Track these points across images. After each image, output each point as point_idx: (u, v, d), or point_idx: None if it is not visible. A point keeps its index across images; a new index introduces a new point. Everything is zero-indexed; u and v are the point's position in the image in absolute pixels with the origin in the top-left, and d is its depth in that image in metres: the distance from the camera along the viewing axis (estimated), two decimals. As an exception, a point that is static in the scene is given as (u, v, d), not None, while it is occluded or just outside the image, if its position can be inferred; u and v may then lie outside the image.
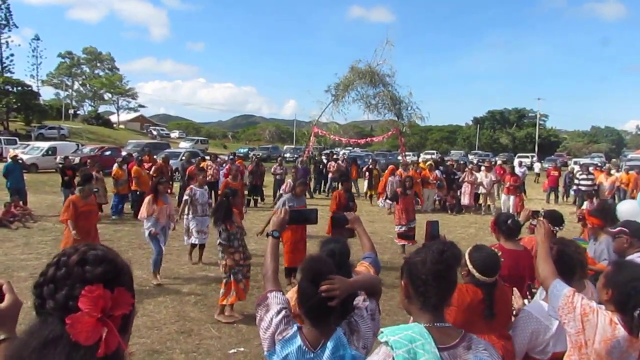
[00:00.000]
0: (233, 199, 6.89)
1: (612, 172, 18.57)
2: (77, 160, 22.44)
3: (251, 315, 6.30)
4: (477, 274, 2.99)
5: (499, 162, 24.95)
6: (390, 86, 26.62)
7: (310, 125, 29.02)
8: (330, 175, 20.94)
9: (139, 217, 8.29)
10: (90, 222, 7.37)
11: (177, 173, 19.90)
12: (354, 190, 20.27)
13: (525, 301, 3.63)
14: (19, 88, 50.68)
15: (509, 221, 4.07)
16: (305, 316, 2.19)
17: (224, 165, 18.01)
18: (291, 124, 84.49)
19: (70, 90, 79.72)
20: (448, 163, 20.95)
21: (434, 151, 55.90)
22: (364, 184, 20.42)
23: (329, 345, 2.10)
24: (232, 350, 5.58)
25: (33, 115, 52.75)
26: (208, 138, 67.01)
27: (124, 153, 22.98)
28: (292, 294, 2.55)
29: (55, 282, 1.07)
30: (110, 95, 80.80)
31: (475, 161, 30.91)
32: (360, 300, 2.32)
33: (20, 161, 15.82)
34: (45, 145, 30.32)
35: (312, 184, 21.23)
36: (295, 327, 2.15)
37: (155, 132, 70.14)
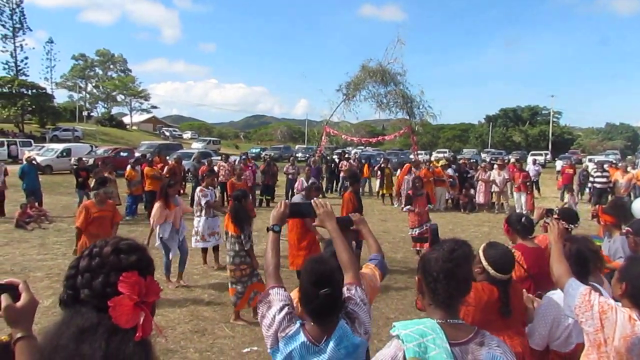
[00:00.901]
0: (245, 201, 6.89)
1: (629, 169, 18.35)
2: (91, 161, 22.62)
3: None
4: (492, 271, 2.97)
5: (512, 160, 24.70)
6: (402, 85, 26.56)
7: (322, 124, 29.00)
8: (342, 174, 20.97)
9: (151, 224, 7.91)
10: (103, 228, 7.09)
11: (189, 174, 19.99)
12: (366, 189, 20.39)
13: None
14: (34, 91, 51.43)
15: (522, 219, 4.03)
16: (308, 316, 2.20)
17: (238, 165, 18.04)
18: (303, 124, 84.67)
19: (83, 92, 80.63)
20: (460, 162, 20.85)
21: (446, 150, 55.67)
22: (376, 183, 20.39)
23: (333, 338, 2.11)
24: (246, 350, 5.60)
25: (47, 117, 53.45)
26: (220, 138, 67.33)
27: (137, 154, 23.15)
28: (295, 293, 2.54)
29: (91, 271, 1.12)
30: (123, 97, 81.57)
31: (488, 159, 30.74)
32: (345, 290, 2.31)
33: (35, 163, 15.99)
34: (59, 147, 30.67)
35: (324, 184, 21.25)
36: (298, 324, 2.16)
37: (167, 133, 70.64)
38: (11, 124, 50.59)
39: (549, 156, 51.63)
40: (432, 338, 1.73)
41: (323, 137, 27.71)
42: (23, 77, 55.87)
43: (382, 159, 22.61)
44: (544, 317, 2.98)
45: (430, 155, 39.69)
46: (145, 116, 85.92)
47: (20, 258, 9.30)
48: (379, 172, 19.67)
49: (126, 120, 78.98)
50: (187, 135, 74.19)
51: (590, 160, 34.22)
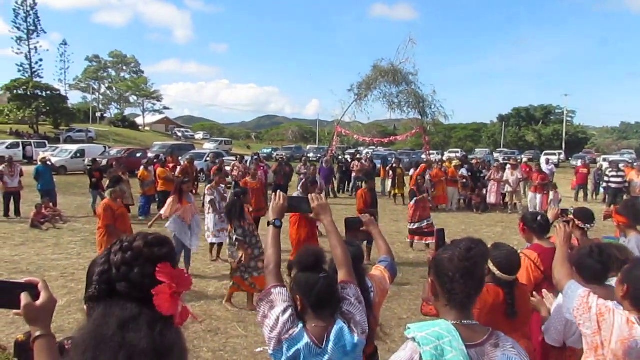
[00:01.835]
0: (244, 197, 7.25)
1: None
2: (104, 162, 22.81)
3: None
4: (498, 272, 2.95)
5: (524, 159, 24.55)
6: (414, 84, 26.50)
7: (333, 124, 29.02)
8: (353, 174, 20.97)
9: (162, 215, 8.44)
10: (126, 224, 7.38)
11: (201, 174, 20.10)
12: (379, 189, 20.35)
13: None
14: (48, 92, 51.93)
15: (539, 217, 3.99)
16: (311, 308, 2.19)
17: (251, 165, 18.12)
18: (314, 124, 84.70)
19: (97, 94, 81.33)
20: (473, 161, 20.74)
21: (458, 149, 55.42)
22: (387, 183, 20.34)
23: (332, 337, 2.12)
24: (259, 349, 5.61)
25: (61, 118, 53.96)
26: (232, 139, 67.55)
27: (150, 155, 23.33)
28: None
29: (127, 264, 1.15)
30: (135, 98, 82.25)
31: (500, 159, 30.54)
32: (339, 288, 2.30)
33: (50, 164, 16.15)
34: (73, 147, 30.97)
35: (336, 184, 21.26)
36: (300, 325, 2.15)
37: (180, 134, 71.06)
38: (26, 125, 51.18)
39: (562, 156, 51.12)
40: (449, 340, 1.71)
41: (334, 137, 27.71)
42: (37, 79, 56.39)
43: (393, 159, 22.57)
44: (560, 313, 2.96)
45: (442, 155, 39.47)
46: (158, 117, 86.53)
47: (36, 258, 9.40)
48: (390, 172, 19.62)
49: (139, 121, 79.57)
50: (199, 135, 74.56)
51: (604, 160, 33.87)
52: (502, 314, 2.89)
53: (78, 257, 9.45)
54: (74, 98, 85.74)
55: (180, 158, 20.23)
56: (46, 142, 37.72)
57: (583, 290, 2.53)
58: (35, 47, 59.37)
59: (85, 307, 1.24)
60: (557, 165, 30.83)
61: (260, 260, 6.81)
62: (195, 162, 19.01)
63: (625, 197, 15.23)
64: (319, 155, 35.71)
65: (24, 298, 1.40)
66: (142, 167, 14.99)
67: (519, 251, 3.36)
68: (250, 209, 10.25)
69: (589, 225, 4.09)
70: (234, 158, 22.31)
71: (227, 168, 17.85)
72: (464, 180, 17.34)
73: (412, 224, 10.77)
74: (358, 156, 23.35)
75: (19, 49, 58.60)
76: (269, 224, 2.49)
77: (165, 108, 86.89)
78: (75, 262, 9.01)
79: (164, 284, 1.10)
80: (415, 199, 10.82)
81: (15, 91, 50.26)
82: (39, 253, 9.79)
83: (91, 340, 1.11)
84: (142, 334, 1.08)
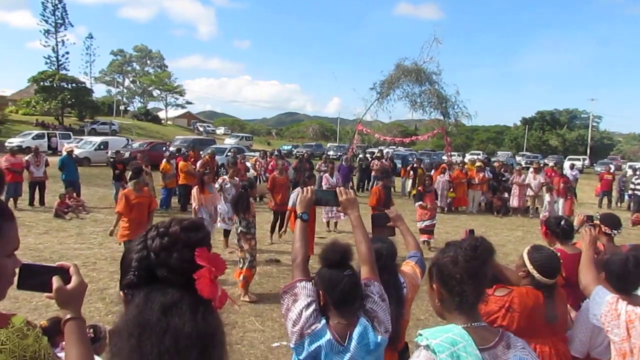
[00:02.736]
0: (251, 190, 7.55)
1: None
2: (127, 154, 23.10)
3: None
4: (537, 275, 2.86)
5: (550, 164, 24.20)
6: (437, 84, 26.33)
7: (354, 123, 28.96)
8: (373, 173, 20.93)
9: (194, 207, 9.30)
10: (142, 214, 7.56)
11: (222, 168, 20.21)
12: (399, 189, 20.28)
13: None
14: (74, 85, 52.72)
15: (562, 222, 3.93)
16: (334, 305, 2.16)
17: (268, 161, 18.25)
18: (335, 122, 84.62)
19: (121, 87, 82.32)
20: (495, 164, 20.53)
21: (480, 152, 54.86)
22: (408, 183, 20.24)
23: (355, 335, 2.10)
24: (276, 344, 5.64)
25: (86, 111, 54.74)
26: (252, 135, 67.86)
27: (172, 148, 23.56)
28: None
29: (166, 249, 1.16)
30: (159, 92, 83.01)
31: (523, 163, 30.15)
32: (362, 286, 2.27)
33: (74, 156, 16.39)
34: (97, 140, 31.42)
35: (355, 182, 21.24)
36: (323, 321, 2.13)
37: (201, 129, 71.60)
38: (52, 116, 52.00)
39: (586, 161, 50.32)
40: (463, 346, 1.68)
41: (355, 136, 27.64)
42: (64, 72, 57.22)
43: (414, 159, 22.45)
44: (584, 323, 2.89)
45: (464, 157, 39.10)
46: (180, 111, 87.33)
47: (59, 246, 9.56)
48: (411, 172, 19.53)
49: (161, 115, 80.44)
50: (220, 130, 75.11)
51: (630, 167, 33.23)
52: (542, 318, 2.81)
53: (100, 247, 9.59)
54: (99, 91, 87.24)
55: (201, 152, 20.38)
56: (71, 133, 38.26)
57: (611, 297, 2.47)
58: (62, 40, 60.26)
59: (122, 294, 1.25)
60: (581, 171, 30.34)
61: (256, 253, 7.27)
62: (216, 157, 19.16)
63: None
64: (339, 154, 35.68)
65: (56, 281, 1.43)
66: (164, 160, 15.15)
67: None
68: (273, 203, 10.93)
69: (615, 232, 4.01)
70: (254, 154, 22.44)
71: (248, 164, 17.99)
72: (491, 182, 17.20)
73: (421, 222, 10.89)
74: (379, 155, 23.22)
75: (46, 42, 59.64)
76: (296, 217, 2.48)
77: (187, 103, 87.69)
78: (97, 252, 9.14)
79: (204, 268, 1.11)
80: (419, 203, 10.94)
81: (42, 83, 51.11)
82: (62, 242, 9.95)
83: (135, 326, 1.12)
84: (186, 318, 1.10)
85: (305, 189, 2.59)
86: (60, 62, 59.90)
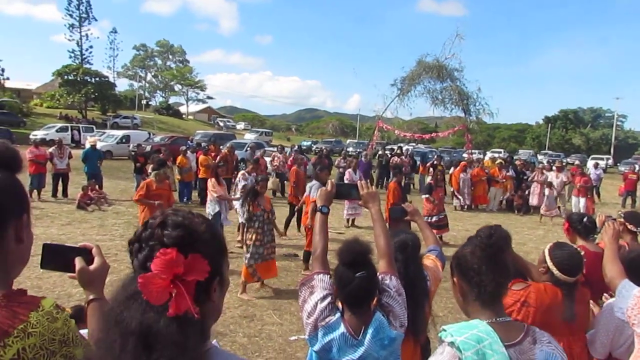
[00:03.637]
0: (262, 184, 7.43)
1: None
2: (148, 148, 23.36)
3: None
4: (557, 273, 2.81)
5: (576, 162, 23.87)
6: (458, 81, 26.01)
7: (374, 119, 28.84)
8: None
9: (216, 196, 9.18)
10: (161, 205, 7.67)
11: (242, 163, 20.31)
12: (418, 186, 20.17)
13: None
14: (97, 79, 53.32)
15: (585, 219, 3.87)
16: (344, 302, 2.17)
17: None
18: (354, 118, 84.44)
19: (143, 82, 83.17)
20: (516, 162, 20.30)
21: (501, 150, 54.27)
22: (427, 180, 20.10)
23: (370, 330, 2.09)
24: (293, 337, 5.66)
25: (109, 104, 55.41)
26: (272, 130, 68.06)
27: (190, 143, 23.77)
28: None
29: (141, 241, 1.11)
30: (180, 87, 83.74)
31: (545, 161, 29.75)
32: (379, 279, 2.26)
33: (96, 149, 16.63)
34: (119, 133, 31.79)
35: (375, 178, 21.18)
36: (338, 314, 2.14)
37: (222, 124, 72.01)
38: (75, 110, 52.80)
39: (610, 161, 49.46)
40: (489, 343, 1.64)
41: (375, 132, 27.54)
42: (87, 66, 57.82)
43: (435, 156, 22.30)
44: (605, 325, 2.83)
45: (484, 155, 38.70)
46: (201, 106, 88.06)
47: (81, 237, 9.70)
48: (430, 169, 19.39)
49: (182, 109, 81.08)
50: (240, 126, 75.41)
51: (655, 167, 32.60)
52: (559, 316, 2.76)
53: (121, 238, 9.71)
54: (121, 85, 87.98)
55: (221, 147, 20.52)
56: (94, 127, 38.81)
57: (638, 290, 2.42)
58: (87, 34, 60.84)
59: None
60: (604, 170, 29.85)
61: (267, 247, 7.01)
62: (236, 152, 19.26)
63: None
64: (358, 150, 35.60)
65: (79, 262, 1.45)
66: (181, 155, 15.30)
67: None
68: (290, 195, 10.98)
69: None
70: (274, 149, 22.50)
71: (268, 159, 18.04)
72: (515, 182, 17.03)
73: (429, 217, 10.69)
74: (399, 152, 23.11)
75: (71, 36, 60.27)
76: (316, 210, 2.49)
77: (208, 97, 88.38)
78: (119, 244, 9.25)
79: (153, 273, 1.03)
80: (426, 195, 10.92)
81: (65, 77, 51.86)
82: (84, 233, 10.10)
83: (107, 309, 1.12)
84: (136, 313, 1.04)
85: (328, 182, 2.60)
86: (84, 56, 60.57)
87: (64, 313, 1.21)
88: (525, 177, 17.46)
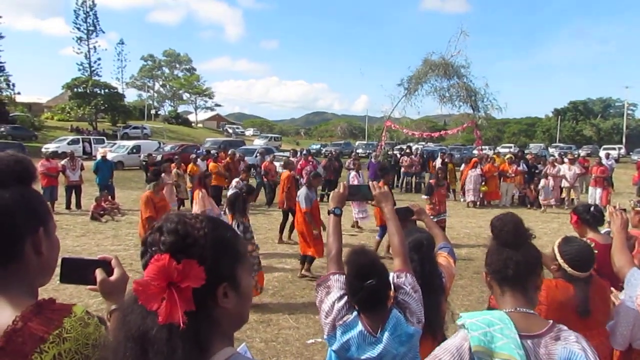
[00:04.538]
0: (248, 194, 7.32)
1: None
2: (159, 157, 23.51)
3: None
4: (568, 269, 2.78)
5: (582, 154, 23.66)
6: (465, 77, 25.80)
7: (382, 120, 28.74)
8: (403, 170, 20.82)
9: (197, 211, 8.47)
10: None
11: (252, 169, 20.37)
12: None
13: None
14: (106, 90, 53.84)
15: (592, 209, 3.83)
16: (357, 307, 2.18)
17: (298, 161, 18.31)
18: (363, 120, 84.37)
19: (151, 92, 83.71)
20: (527, 156, 20.18)
21: (512, 145, 53.92)
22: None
23: (388, 327, 2.10)
24: (310, 341, 5.66)
25: (119, 115, 55.91)
26: (281, 135, 68.22)
27: (200, 150, 23.88)
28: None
29: (145, 245, 1.11)
30: (188, 95, 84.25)
31: (556, 154, 29.56)
32: (394, 277, 2.26)
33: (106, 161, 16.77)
34: (130, 143, 32.09)
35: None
36: (355, 313, 2.15)
37: (230, 130, 72.33)
38: (85, 122, 53.26)
39: (622, 150, 48.95)
40: (500, 328, 1.64)
41: (384, 133, 27.46)
42: (96, 78, 58.33)
43: (439, 154, 22.26)
44: (625, 316, 2.79)
45: (494, 150, 38.50)
46: (210, 114, 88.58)
47: (96, 248, 9.79)
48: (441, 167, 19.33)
49: (191, 118, 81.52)
50: (249, 132, 75.71)
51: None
52: (573, 312, 2.71)
53: (135, 248, 9.78)
54: (130, 96, 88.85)
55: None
56: (104, 138, 39.19)
57: None
58: (95, 47, 61.26)
59: None
60: (617, 160, 29.57)
61: (256, 257, 6.82)
62: (246, 158, 19.33)
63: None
64: (368, 151, 35.45)
65: (99, 274, 1.48)
66: (191, 163, 15.37)
67: None
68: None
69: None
70: (283, 154, 22.54)
71: (277, 163, 18.06)
72: (526, 176, 16.91)
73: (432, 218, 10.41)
74: (408, 151, 23.06)
75: (79, 49, 60.68)
76: (329, 212, 2.50)
77: (216, 105, 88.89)
78: (133, 253, 9.32)
79: (144, 278, 1.02)
80: (426, 197, 10.31)
81: (75, 89, 52.42)
82: (99, 244, 10.19)
83: (120, 308, 1.14)
84: (138, 319, 1.05)
85: (340, 185, 2.61)
86: (92, 69, 61.00)
87: (94, 319, 1.23)
88: (537, 171, 17.36)
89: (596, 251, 3.00)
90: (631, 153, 45.84)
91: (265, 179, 16.31)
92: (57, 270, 1.47)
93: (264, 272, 7.25)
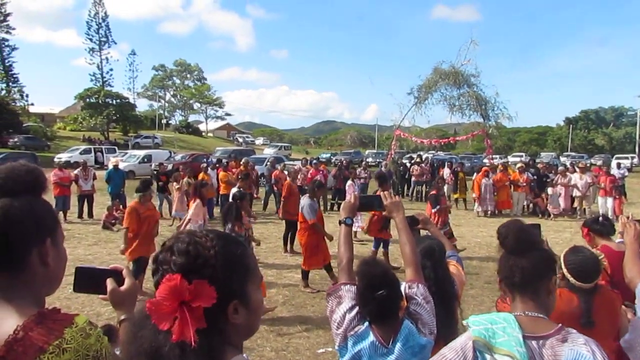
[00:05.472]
0: (241, 202, 7.23)
1: None
2: (170, 167, 23.61)
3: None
4: (571, 279, 2.76)
5: (597, 163, 23.52)
6: (475, 86, 25.79)
7: (392, 129, 28.74)
8: (413, 179, 20.79)
9: (186, 218, 8.50)
10: (152, 228, 7.55)
11: (262, 178, 20.44)
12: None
13: None
14: (118, 100, 54.40)
15: (600, 218, 3.80)
16: (368, 317, 2.18)
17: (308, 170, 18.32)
18: (372, 129, 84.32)
19: (162, 102, 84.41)
20: (539, 165, 20.06)
21: (522, 154, 53.62)
22: (444, 188, 19.98)
23: (400, 337, 2.09)
24: (321, 350, 5.64)
25: (130, 125, 56.41)
26: (291, 144, 68.37)
27: (211, 159, 23.98)
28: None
29: (157, 264, 1.13)
30: (199, 105, 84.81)
31: (567, 163, 29.38)
32: (405, 287, 2.25)
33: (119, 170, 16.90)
34: (141, 153, 32.24)
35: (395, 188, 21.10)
36: (366, 323, 2.14)
37: (241, 140, 72.59)
38: (97, 132, 53.80)
39: (635, 160, 48.47)
40: (503, 327, 1.67)
41: (393, 142, 27.46)
42: (108, 88, 59.14)
43: (447, 163, 22.19)
44: None
45: (505, 159, 38.29)
46: (220, 123, 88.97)
47: (107, 257, 9.85)
48: (452, 176, 19.27)
49: (202, 127, 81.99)
50: (259, 141, 75.95)
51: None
52: (576, 323, 2.63)
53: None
54: (141, 106, 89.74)
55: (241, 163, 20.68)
56: (116, 148, 39.48)
57: None
58: (107, 58, 62.29)
59: None
60: (630, 170, 29.28)
61: None
62: (256, 167, 19.39)
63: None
64: (378, 160, 35.42)
65: (110, 284, 1.50)
66: (202, 172, 15.45)
67: None
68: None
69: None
70: (293, 162, 22.59)
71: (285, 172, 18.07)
72: (532, 184, 16.79)
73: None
74: (419, 160, 23.02)
75: (91, 60, 61.71)
76: (340, 222, 2.50)
77: (227, 114, 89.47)
78: (144, 262, 9.35)
79: (156, 298, 1.04)
80: (437, 207, 9.87)
81: (87, 100, 53.02)
82: (111, 253, 10.24)
83: (133, 321, 1.17)
84: (149, 335, 1.07)
85: (351, 195, 2.62)
86: (104, 79, 61.85)
87: (97, 330, 1.23)
88: (548, 180, 17.26)
89: (605, 262, 2.97)
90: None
91: (275, 188, 16.31)
92: (71, 279, 1.50)
93: (274, 280, 7.24)
